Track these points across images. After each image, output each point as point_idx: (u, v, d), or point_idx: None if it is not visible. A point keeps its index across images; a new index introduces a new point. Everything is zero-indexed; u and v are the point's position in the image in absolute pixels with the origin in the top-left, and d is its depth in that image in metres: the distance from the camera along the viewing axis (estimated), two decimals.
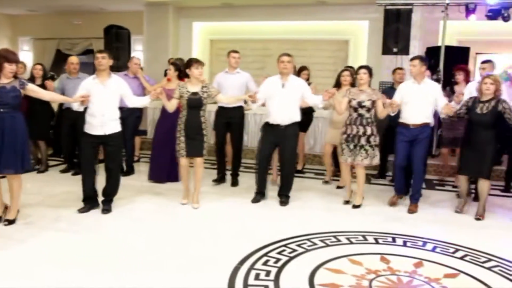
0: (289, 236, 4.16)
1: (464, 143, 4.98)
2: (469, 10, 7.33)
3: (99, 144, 4.70)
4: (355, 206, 5.15)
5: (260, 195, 5.31)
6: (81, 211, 4.68)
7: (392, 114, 5.05)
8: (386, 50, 7.41)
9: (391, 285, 3.33)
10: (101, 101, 4.60)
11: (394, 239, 4.22)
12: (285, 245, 3.97)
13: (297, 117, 5.11)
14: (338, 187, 5.96)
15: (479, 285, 3.38)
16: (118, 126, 4.74)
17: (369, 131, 5.03)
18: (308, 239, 4.13)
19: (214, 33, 10.52)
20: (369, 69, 5.15)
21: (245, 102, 5.32)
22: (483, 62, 5.83)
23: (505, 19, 7.17)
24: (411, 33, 7.56)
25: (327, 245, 4.03)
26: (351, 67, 5.20)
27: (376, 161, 5.14)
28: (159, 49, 9.99)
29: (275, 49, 9.56)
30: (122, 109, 6.18)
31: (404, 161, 5.09)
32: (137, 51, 10.50)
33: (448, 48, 7.61)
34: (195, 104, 4.88)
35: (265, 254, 3.78)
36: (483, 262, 3.76)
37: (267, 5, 9.42)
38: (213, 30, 10.53)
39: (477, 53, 8.56)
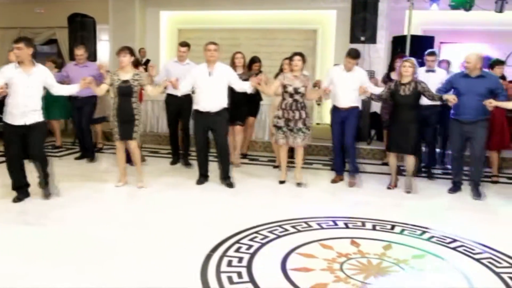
0: (261, 223, 4.18)
1: (391, 123, 5.35)
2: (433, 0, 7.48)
3: (21, 134, 4.53)
4: (299, 184, 5.47)
5: (203, 177, 5.53)
6: (15, 200, 4.60)
7: (325, 99, 5.53)
8: (354, 39, 7.50)
9: (361, 267, 3.40)
10: (24, 91, 4.45)
11: (363, 223, 4.30)
12: (256, 232, 3.99)
13: (225, 103, 5.32)
14: (275, 167, 6.28)
15: (445, 264, 3.49)
16: (41, 116, 4.61)
17: (304, 115, 5.34)
18: (279, 226, 4.16)
19: (182, 22, 10.38)
20: (302, 55, 5.38)
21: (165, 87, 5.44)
22: (429, 54, 6.05)
23: (467, 9, 7.37)
24: (378, 22, 7.68)
25: (299, 231, 4.07)
26: (300, 53, 5.40)
27: (308, 141, 5.52)
28: (125, 39, 9.74)
29: (244, 39, 9.55)
30: (77, 98, 6.16)
31: (340, 141, 5.59)
32: (103, 41, 10.27)
33: (414, 37, 7.77)
34: (125, 91, 5.01)
35: (237, 241, 3.78)
36: (449, 243, 3.89)
37: None
38: (181, 19, 10.39)
39: (441, 42, 8.77)
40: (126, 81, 5.02)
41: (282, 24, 9.62)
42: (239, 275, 3.23)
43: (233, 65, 6.09)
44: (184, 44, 6.20)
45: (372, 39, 7.49)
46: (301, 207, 4.76)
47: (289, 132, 5.34)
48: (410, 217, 4.47)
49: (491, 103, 4.77)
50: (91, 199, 4.86)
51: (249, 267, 3.36)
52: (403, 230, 4.17)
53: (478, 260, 3.56)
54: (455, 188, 5.37)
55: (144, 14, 10.23)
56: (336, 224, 4.27)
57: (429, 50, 6.25)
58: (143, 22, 10.20)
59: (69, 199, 4.79)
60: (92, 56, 6.60)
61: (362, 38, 7.46)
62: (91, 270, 3.23)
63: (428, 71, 5.91)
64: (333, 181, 5.71)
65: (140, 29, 10.12)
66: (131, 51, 5.16)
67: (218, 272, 3.26)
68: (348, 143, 5.56)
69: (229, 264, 3.39)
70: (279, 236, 3.93)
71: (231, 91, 5.48)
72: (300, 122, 5.31)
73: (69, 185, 5.18)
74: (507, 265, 3.48)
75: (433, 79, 5.60)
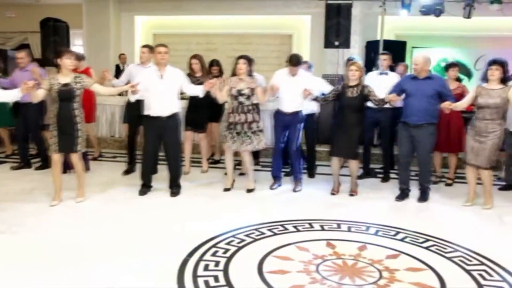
0: (237, 227, 4.19)
1: (335, 126, 5.31)
2: (404, 5, 7.65)
3: None
4: (249, 190, 5.38)
5: (146, 187, 5.23)
6: None
7: (272, 98, 5.40)
8: (328, 44, 7.62)
9: (337, 268, 3.44)
10: None
11: (339, 225, 4.36)
12: (233, 236, 4.00)
13: (177, 108, 5.14)
14: (241, 174, 6.01)
15: (418, 263, 3.56)
16: None
17: (250, 118, 5.21)
18: (256, 229, 4.17)
19: (157, 27, 10.36)
20: (248, 59, 5.31)
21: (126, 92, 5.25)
22: (382, 53, 6.14)
23: (437, 14, 7.57)
24: (352, 27, 7.83)
25: (275, 234, 4.09)
26: (244, 56, 5.37)
27: (261, 145, 5.34)
28: (100, 44, 9.71)
29: (220, 44, 9.59)
30: (21, 104, 5.89)
31: (282, 145, 5.49)
32: (77, 46, 10.14)
33: (387, 42, 7.93)
34: (66, 96, 4.62)
35: (214, 245, 3.79)
36: (422, 242, 3.97)
37: None
38: (156, 24, 10.36)
39: (413, 47, 8.97)
40: (66, 85, 4.62)
41: (258, 29, 9.70)
42: (216, 279, 3.23)
43: (190, 69, 6.02)
44: (145, 46, 5.93)
45: (346, 44, 7.62)
46: (278, 210, 4.79)
47: (236, 136, 5.23)
48: (383, 218, 4.56)
49: (450, 105, 4.78)
50: (66, 206, 4.78)
51: (225, 270, 3.36)
52: (377, 231, 4.24)
53: (450, 258, 3.66)
54: (403, 195, 5.22)
55: (119, 19, 10.17)
56: (312, 227, 4.31)
57: (382, 51, 6.31)
58: (117, 27, 10.13)
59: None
60: None
61: (336, 43, 7.59)
62: (66, 274, 3.18)
63: (381, 73, 5.92)
64: (271, 188, 5.55)
65: (115, 34, 10.04)
66: (77, 56, 4.87)
67: (195, 276, 3.25)
68: (292, 149, 5.47)
69: (206, 268, 3.39)
70: (255, 240, 3.95)
71: (192, 96, 5.43)
72: (246, 125, 5.20)
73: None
74: (477, 263, 3.59)
75: (385, 82, 5.59)
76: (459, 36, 8.75)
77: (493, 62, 4.75)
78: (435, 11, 7.54)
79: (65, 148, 4.72)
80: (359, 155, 5.48)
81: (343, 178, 5.51)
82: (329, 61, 8.41)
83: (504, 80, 4.73)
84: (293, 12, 9.39)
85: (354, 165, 5.32)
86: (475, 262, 3.60)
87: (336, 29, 7.58)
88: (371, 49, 8.22)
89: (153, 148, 5.18)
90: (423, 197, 5.16)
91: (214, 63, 6.43)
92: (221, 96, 5.29)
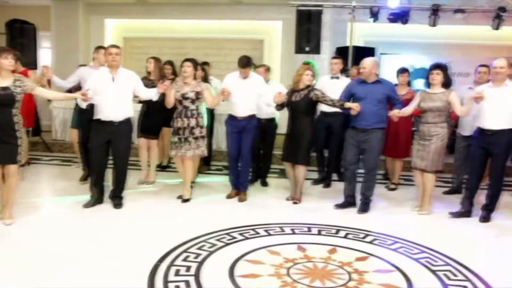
0: (209, 232, 4.18)
1: (288, 131, 5.23)
2: (373, 13, 7.82)
3: None
4: (184, 200, 5.17)
5: (97, 200, 4.93)
6: None
7: (222, 101, 5.19)
8: (299, 49, 7.71)
9: (308, 271, 3.48)
10: None
11: (309, 229, 4.41)
12: (204, 241, 4.00)
13: (130, 112, 4.91)
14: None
15: (386, 265, 3.65)
16: None
17: (192, 123, 5.05)
18: (227, 233, 4.18)
19: (128, 31, 10.23)
20: (193, 62, 5.17)
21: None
22: (334, 58, 6.25)
23: (404, 22, 7.77)
24: (322, 33, 7.95)
25: (246, 238, 4.11)
26: (190, 59, 5.16)
27: (201, 151, 5.16)
28: (69, 47, 9.52)
29: (192, 48, 9.54)
30: None
31: (237, 152, 5.33)
32: (45, 48, 9.93)
33: (356, 48, 8.09)
34: (5, 101, 4.12)
35: (185, 250, 3.78)
36: (390, 244, 4.07)
37: (183, 3, 9.36)
38: (127, 28, 10.23)
39: (381, 54, 9.15)
40: (5, 88, 4.11)
41: (229, 34, 9.71)
42: (187, 283, 3.22)
43: (148, 73, 5.89)
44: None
45: (316, 50, 7.73)
46: (249, 214, 4.81)
47: (179, 142, 5.09)
48: (353, 221, 4.64)
49: (399, 113, 4.81)
50: (34, 215, 4.67)
51: (197, 275, 3.36)
52: (347, 234, 4.31)
53: (417, 260, 3.75)
54: (346, 203, 5.11)
55: (88, 21, 10.00)
56: (283, 231, 4.35)
57: (334, 55, 6.39)
58: (87, 30, 9.96)
59: None
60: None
61: (307, 49, 7.69)
62: (37, 282, 3.11)
63: (332, 77, 5.95)
64: (228, 196, 5.39)
65: (84, 37, 9.87)
66: (15, 55, 4.38)
67: (166, 281, 3.24)
68: (244, 155, 5.31)
69: (177, 273, 3.37)
70: (227, 244, 3.95)
71: (147, 100, 5.29)
72: (187, 131, 5.05)
73: None
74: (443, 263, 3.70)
75: (337, 86, 5.55)
76: (425, 43, 8.98)
77: (434, 67, 4.90)
78: (402, 18, 7.74)
79: (3, 159, 4.20)
80: (308, 160, 5.26)
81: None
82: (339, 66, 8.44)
83: (446, 84, 4.87)
84: (265, 18, 9.45)
85: (301, 171, 5.18)
86: (441, 262, 3.71)
87: (306, 35, 7.68)
88: (341, 55, 8.33)
89: (102, 155, 4.84)
90: (364, 208, 5.00)
91: (167, 62, 6.14)
92: (169, 100, 5.09)
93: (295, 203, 5.22)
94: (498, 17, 7.45)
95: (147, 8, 9.64)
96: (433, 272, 3.54)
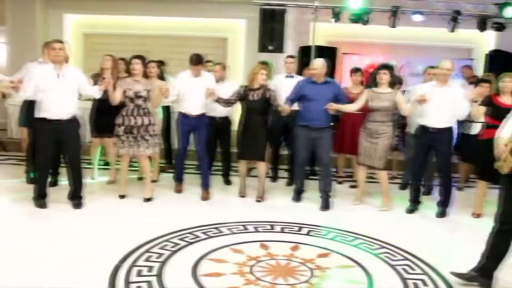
0: (171, 231, 4.15)
1: (243, 129, 5.27)
2: (335, 13, 7.93)
3: None
4: (146, 199, 5.10)
5: (42, 198, 4.76)
6: None
7: (166, 101, 5.19)
8: (262, 48, 7.73)
9: (271, 269, 3.51)
10: None
11: (272, 227, 4.44)
12: (167, 240, 3.96)
13: (76, 110, 4.75)
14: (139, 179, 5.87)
15: (348, 261, 3.72)
16: None
17: (146, 121, 5.00)
18: (190, 232, 4.16)
19: (88, 26, 9.96)
20: (142, 59, 5.11)
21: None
22: (289, 57, 6.34)
23: (365, 23, 7.93)
24: (286, 33, 7.98)
25: (210, 237, 4.10)
26: (139, 56, 5.09)
27: (157, 149, 5.19)
28: (25, 42, 9.16)
29: (154, 46, 9.40)
30: None
31: (185, 150, 5.42)
32: (0, 43, 9.55)
33: (319, 48, 8.18)
34: None
35: (147, 250, 3.73)
36: (351, 241, 4.15)
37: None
38: (87, 24, 9.96)
39: (343, 53, 9.31)
40: None
41: (193, 32, 9.62)
42: (149, 284, 3.19)
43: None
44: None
45: (279, 49, 7.76)
46: (212, 213, 4.79)
47: (133, 141, 4.99)
48: (315, 219, 4.70)
49: (331, 106, 4.92)
50: None
51: (159, 275, 3.32)
52: (309, 231, 4.37)
53: (376, 255, 3.85)
54: (297, 197, 5.35)
55: (46, 16, 9.67)
56: (246, 229, 4.36)
57: (288, 54, 6.50)
58: (45, 25, 9.63)
59: None
60: None
61: (270, 48, 7.71)
62: None
63: (287, 76, 5.99)
64: (177, 191, 5.50)
65: (42, 33, 9.52)
66: None
67: (127, 282, 3.19)
68: (200, 153, 5.34)
69: (139, 274, 3.33)
70: (190, 243, 3.93)
71: (100, 98, 5.12)
72: (142, 129, 4.98)
73: None
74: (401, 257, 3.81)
75: (291, 85, 5.45)
76: (386, 44, 9.18)
77: (382, 67, 5.11)
78: (363, 19, 7.89)
79: None
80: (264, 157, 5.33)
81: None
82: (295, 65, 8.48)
83: (393, 84, 5.04)
84: (229, 16, 9.41)
85: (262, 167, 5.28)
86: (399, 257, 3.82)
87: (270, 34, 7.70)
88: (304, 55, 8.44)
89: (49, 155, 4.70)
90: (326, 204, 5.11)
91: (120, 59, 5.85)
92: (114, 97, 4.96)
93: (258, 201, 5.26)
94: (453, 20, 7.70)
95: (108, 4, 9.40)
96: (392, 266, 3.64)
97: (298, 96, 5.18)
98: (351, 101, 5.35)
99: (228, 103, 5.29)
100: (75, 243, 3.84)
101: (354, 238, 4.21)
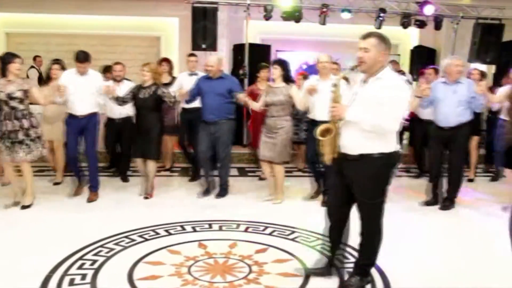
0: (106, 236, 4.03)
1: (136, 127, 5.35)
2: (267, 11, 8.03)
3: None
4: (24, 207, 4.81)
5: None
6: None
7: (59, 100, 5.02)
8: (195, 46, 7.68)
9: (209, 268, 3.51)
10: None
11: (210, 225, 4.44)
12: (101, 246, 3.85)
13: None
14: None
15: (285, 255, 3.79)
16: None
17: (26, 124, 4.72)
18: (126, 236, 4.07)
19: (11, 25, 9.44)
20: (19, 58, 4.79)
21: None
22: (190, 55, 6.43)
23: (297, 20, 8.10)
24: (219, 31, 7.99)
25: (146, 240, 4.03)
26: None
27: (40, 153, 4.86)
28: None
29: (83, 45, 8.96)
30: None
31: (76, 152, 5.23)
32: None
33: (252, 46, 8.26)
34: None
35: (80, 258, 3.61)
36: (288, 235, 4.24)
37: None
38: (9, 22, 9.43)
39: (277, 50, 9.45)
40: None
41: (124, 31, 9.39)
42: None
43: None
44: None
45: (212, 47, 7.75)
46: (150, 215, 4.71)
47: (11, 146, 4.67)
48: (254, 216, 4.75)
49: (241, 96, 5.14)
50: None
51: (93, 283, 3.23)
52: (247, 227, 4.41)
53: (313, 247, 3.95)
54: (207, 191, 5.48)
55: None
56: (184, 229, 4.33)
57: (191, 52, 6.67)
58: None
59: None
60: None
61: (203, 46, 7.69)
62: None
63: (191, 74, 6.12)
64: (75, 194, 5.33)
65: None
66: None
67: None
68: (89, 154, 5.19)
69: (71, 283, 3.21)
70: (125, 247, 3.84)
71: None
72: (21, 133, 4.68)
73: None
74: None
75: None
76: (317, 40, 9.43)
77: (274, 62, 5.36)
78: (295, 17, 8.05)
79: None
80: (159, 155, 5.41)
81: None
82: (198, 63, 8.43)
83: (287, 79, 5.15)
84: (161, 14, 9.26)
85: (151, 166, 5.29)
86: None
87: (203, 32, 7.68)
88: (238, 52, 8.49)
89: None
90: (222, 193, 5.42)
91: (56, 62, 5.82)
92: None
93: (146, 198, 5.28)
94: (379, 17, 8.05)
95: (33, 2, 8.94)
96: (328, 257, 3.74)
97: (196, 91, 5.35)
98: (257, 97, 5.44)
99: (123, 101, 5.25)
100: (1, 253, 3.63)
101: (291, 232, 4.29)
